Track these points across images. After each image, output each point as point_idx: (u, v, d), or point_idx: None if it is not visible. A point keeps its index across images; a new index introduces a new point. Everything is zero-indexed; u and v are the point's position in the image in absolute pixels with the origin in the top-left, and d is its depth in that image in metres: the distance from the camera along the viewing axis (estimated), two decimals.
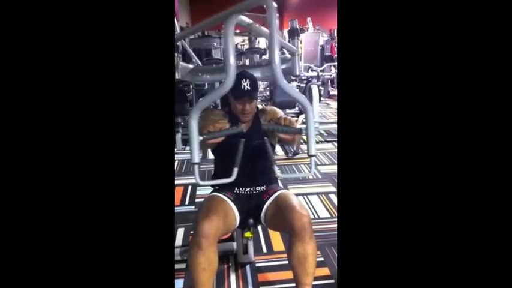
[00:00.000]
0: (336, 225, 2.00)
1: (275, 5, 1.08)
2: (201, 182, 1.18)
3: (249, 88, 1.44)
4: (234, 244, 1.93)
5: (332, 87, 7.77)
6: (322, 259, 1.88)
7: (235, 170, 1.28)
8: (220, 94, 1.13)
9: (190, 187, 2.95)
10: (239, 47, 7.24)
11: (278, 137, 1.40)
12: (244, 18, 1.22)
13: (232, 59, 1.04)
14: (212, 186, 1.66)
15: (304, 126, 1.19)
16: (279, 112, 1.63)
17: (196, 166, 1.15)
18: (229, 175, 1.55)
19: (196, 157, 1.14)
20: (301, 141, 3.40)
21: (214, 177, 1.68)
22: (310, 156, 1.17)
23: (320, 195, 2.76)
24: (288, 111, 5.52)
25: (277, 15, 1.07)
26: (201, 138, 1.16)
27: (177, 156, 3.85)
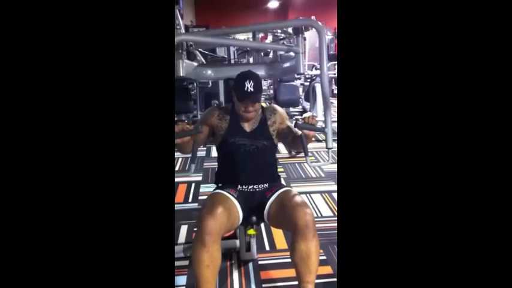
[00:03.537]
0: None
1: (321, 24, 1.44)
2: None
3: (252, 90, 1.43)
4: (237, 241, 1.94)
5: (336, 85, 7.75)
6: (324, 257, 1.88)
7: (193, 166, 1.51)
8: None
9: (193, 184, 2.96)
10: None
11: (305, 134, 1.46)
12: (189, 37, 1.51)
13: (180, 70, 1.40)
14: (215, 183, 1.66)
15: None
16: (284, 113, 1.65)
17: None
18: (230, 172, 1.57)
19: None
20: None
21: (217, 175, 1.69)
22: (328, 149, 1.41)
23: (323, 194, 2.77)
24: (291, 109, 5.52)
25: (326, 34, 1.45)
26: None
27: (181, 154, 3.86)
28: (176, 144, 1.40)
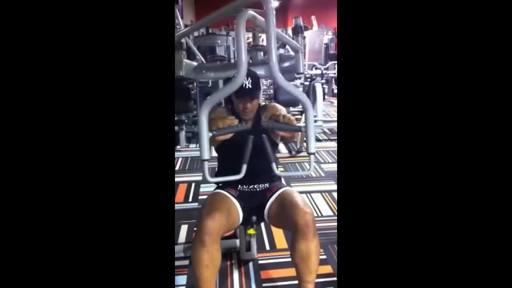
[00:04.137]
0: None
1: (273, 3, 1.06)
2: (210, 179, 1.17)
3: (250, 87, 1.43)
4: (237, 241, 1.94)
5: (336, 85, 7.75)
6: (324, 257, 1.88)
7: (244, 167, 1.27)
8: (230, 90, 1.13)
9: (193, 184, 2.96)
10: None
11: (278, 135, 1.39)
12: (254, 14, 1.21)
13: (244, 56, 1.03)
14: (217, 183, 1.66)
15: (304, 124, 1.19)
16: (281, 109, 1.63)
17: (205, 163, 1.13)
18: (233, 172, 1.55)
19: (207, 154, 1.12)
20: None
21: (217, 175, 1.68)
22: (309, 154, 1.19)
23: (323, 193, 2.77)
24: (291, 109, 5.52)
25: (274, 12, 1.06)
26: (210, 134, 1.14)
27: (180, 154, 3.86)
28: (213, 140, 1.25)
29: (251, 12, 1.15)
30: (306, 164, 3.51)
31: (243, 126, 1.31)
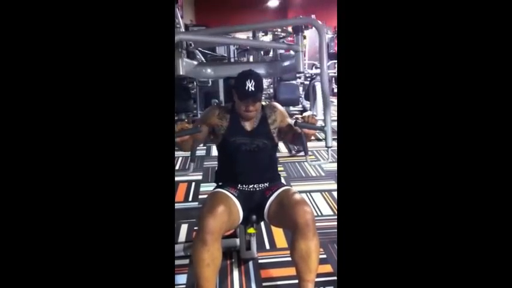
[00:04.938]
0: None
1: (321, 22, 1.45)
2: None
3: (253, 89, 1.43)
4: (237, 240, 1.94)
5: (336, 84, 7.75)
6: (324, 256, 1.88)
7: (192, 165, 1.51)
8: None
9: (194, 184, 2.97)
10: None
11: (304, 133, 1.48)
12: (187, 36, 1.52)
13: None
14: (216, 182, 1.66)
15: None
16: (286, 115, 1.65)
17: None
18: (230, 172, 1.57)
19: None
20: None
21: (217, 174, 1.69)
22: (327, 147, 1.44)
23: (323, 193, 2.77)
24: (291, 108, 5.53)
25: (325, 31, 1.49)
26: None
27: (180, 153, 3.86)
28: (176, 143, 1.40)
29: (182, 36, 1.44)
30: (305, 163, 3.51)
31: (194, 129, 1.44)
